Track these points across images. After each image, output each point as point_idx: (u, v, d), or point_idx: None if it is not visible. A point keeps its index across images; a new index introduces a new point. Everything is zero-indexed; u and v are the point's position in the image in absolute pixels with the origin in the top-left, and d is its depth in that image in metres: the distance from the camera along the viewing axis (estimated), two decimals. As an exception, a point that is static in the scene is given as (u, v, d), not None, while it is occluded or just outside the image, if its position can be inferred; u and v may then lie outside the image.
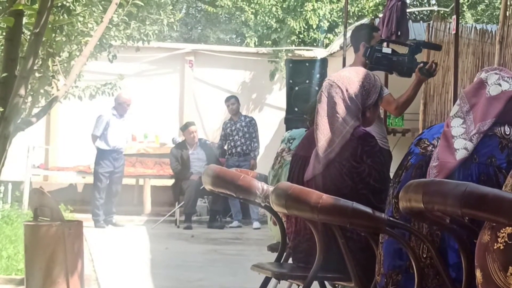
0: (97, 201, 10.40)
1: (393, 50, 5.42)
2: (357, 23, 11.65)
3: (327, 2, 14.15)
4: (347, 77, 3.49)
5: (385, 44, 5.56)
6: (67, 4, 5.64)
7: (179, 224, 10.70)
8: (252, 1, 14.44)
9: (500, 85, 2.80)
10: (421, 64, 5.27)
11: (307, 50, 13.58)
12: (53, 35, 5.77)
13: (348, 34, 10.56)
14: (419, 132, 4.86)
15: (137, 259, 7.64)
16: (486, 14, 16.80)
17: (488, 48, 9.22)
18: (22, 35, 4.35)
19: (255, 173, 4.40)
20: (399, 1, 8.02)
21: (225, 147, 11.21)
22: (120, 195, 10.76)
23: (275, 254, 3.90)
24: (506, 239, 2.23)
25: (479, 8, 16.79)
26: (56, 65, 5.96)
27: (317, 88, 8.89)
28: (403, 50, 5.69)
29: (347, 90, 3.45)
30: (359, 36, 5.56)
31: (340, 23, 14.16)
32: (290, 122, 9.38)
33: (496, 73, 2.84)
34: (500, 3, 8.52)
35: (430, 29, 9.83)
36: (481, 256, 2.32)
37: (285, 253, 3.80)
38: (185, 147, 11.03)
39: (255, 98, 13.44)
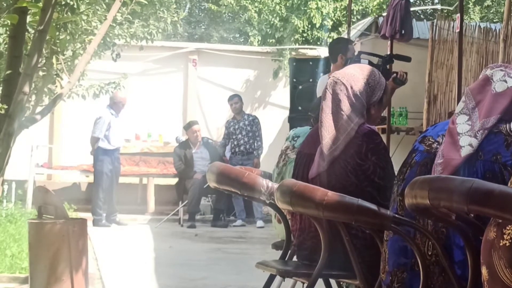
0: (99, 200, 10.40)
1: (369, 61, 5.72)
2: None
3: (330, 1, 14.13)
4: (351, 74, 3.49)
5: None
6: (71, 2, 5.65)
7: (183, 223, 10.70)
8: (255, -1, 14.45)
9: (506, 81, 2.79)
10: (394, 74, 5.63)
11: (311, 48, 13.57)
12: (57, 33, 5.77)
13: (352, 32, 10.58)
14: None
15: (140, 257, 7.64)
16: (491, 11, 16.78)
17: (492, 46, 9.22)
18: (26, 33, 4.35)
19: (260, 171, 4.38)
20: (402, -1, 7.98)
21: (228, 146, 11.19)
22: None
23: (279, 253, 3.89)
24: (512, 236, 2.22)
25: (485, 4, 16.76)
26: (60, 63, 5.96)
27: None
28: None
29: (351, 87, 3.44)
30: (336, 48, 6.29)
31: (343, 22, 14.14)
32: (293, 120, 9.37)
33: (501, 70, 2.82)
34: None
35: (434, 27, 9.83)
36: (487, 253, 2.30)
37: (289, 251, 3.79)
38: (189, 146, 11.02)
39: (258, 97, 13.43)
